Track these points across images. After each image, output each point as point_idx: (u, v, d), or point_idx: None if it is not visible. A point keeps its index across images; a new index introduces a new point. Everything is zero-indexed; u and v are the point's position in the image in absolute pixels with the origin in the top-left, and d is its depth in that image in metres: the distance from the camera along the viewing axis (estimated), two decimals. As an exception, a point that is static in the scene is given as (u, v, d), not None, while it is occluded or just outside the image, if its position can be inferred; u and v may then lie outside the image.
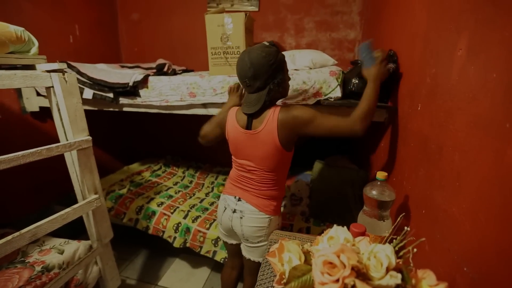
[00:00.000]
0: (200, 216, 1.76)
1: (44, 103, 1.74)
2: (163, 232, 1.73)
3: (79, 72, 1.58)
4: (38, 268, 1.16)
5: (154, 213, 1.78)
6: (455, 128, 0.66)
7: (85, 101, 1.46)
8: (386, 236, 0.65)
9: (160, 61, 2.03)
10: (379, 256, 0.51)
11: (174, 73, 1.80)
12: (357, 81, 1.22)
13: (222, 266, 1.54)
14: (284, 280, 0.57)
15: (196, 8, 2.26)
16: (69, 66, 1.58)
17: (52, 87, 1.14)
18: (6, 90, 1.66)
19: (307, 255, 0.62)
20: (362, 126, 0.94)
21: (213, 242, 1.62)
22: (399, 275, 0.50)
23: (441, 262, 0.68)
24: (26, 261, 1.21)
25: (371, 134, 1.45)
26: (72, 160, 1.25)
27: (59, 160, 1.25)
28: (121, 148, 2.73)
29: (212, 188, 2.23)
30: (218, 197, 2.05)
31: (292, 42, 2.19)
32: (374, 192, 0.87)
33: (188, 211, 1.81)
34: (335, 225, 0.64)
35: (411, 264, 0.54)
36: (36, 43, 1.16)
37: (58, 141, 1.21)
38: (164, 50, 2.45)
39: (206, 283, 1.76)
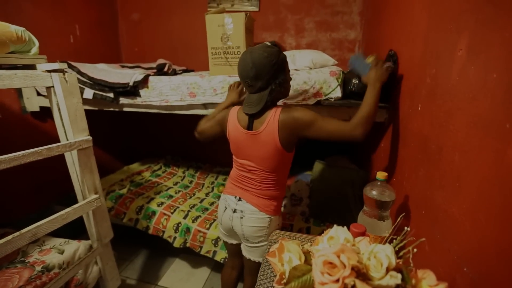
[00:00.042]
0: (200, 216, 1.76)
1: (45, 103, 1.75)
2: (163, 232, 1.73)
3: (79, 72, 1.58)
4: (38, 268, 1.16)
5: (154, 213, 1.78)
6: (455, 128, 0.66)
7: (85, 101, 1.46)
8: (386, 236, 0.65)
9: (161, 61, 2.03)
10: (379, 256, 0.51)
11: (175, 73, 1.80)
12: (357, 81, 1.22)
13: (222, 266, 1.54)
14: (284, 280, 0.57)
15: (197, 8, 2.26)
16: (70, 66, 1.58)
17: (53, 87, 1.14)
18: (7, 90, 1.66)
19: (307, 255, 0.62)
20: (363, 131, 0.93)
21: (213, 242, 1.62)
22: (399, 275, 0.50)
23: (441, 262, 0.68)
24: (26, 261, 1.21)
25: (371, 134, 1.44)
26: (72, 160, 1.25)
27: (59, 160, 1.25)
28: (121, 148, 2.73)
29: (212, 188, 2.23)
30: (218, 197, 2.05)
31: (292, 42, 2.19)
32: (374, 192, 0.87)
33: (188, 211, 1.81)
34: (335, 225, 0.64)
35: (411, 264, 0.54)
36: (37, 43, 1.16)
37: (58, 141, 1.21)
38: (164, 50, 2.45)
39: (206, 283, 1.76)
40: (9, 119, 1.70)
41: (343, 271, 0.48)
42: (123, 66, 1.92)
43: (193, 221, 1.71)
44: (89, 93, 1.57)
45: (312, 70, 1.34)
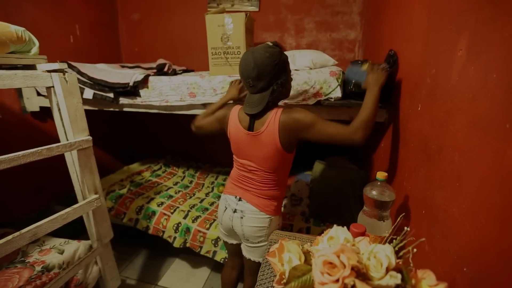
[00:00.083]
0: (200, 216, 1.76)
1: (45, 103, 1.75)
2: (163, 232, 1.73)
3: (79, 72, 1.58)
4: (38, 268, 1.16)
5: (154, 213, 1.78)
6: (455, 128, 0.66)
7: (85, 101, 1.46)
8: (386, 236, 0.65)
9: (161, 61, 2.03)
10: (379, 256, 0.51)
11: (175, 73, 1.80)
12: (356, 81, 1.22)
13: (222, 266, 1.54)
14: (284, 280, 0.57)
15: (197, 8, 2.27)
16: (70, 66, 1.58)
17: (53, 87, 1.14)
18: (7, 90, 1.66)
19: (307, 255, 0.62)
20: (363, 135, 0.93)
21: (213, 242, 1.62)
22: (399, 275, 0.50)
23: (441, 262, 0.68)
24: (26, 261, 1.21)
25: (371, 135, 1.45)
26: (72, 160, 1.25)
27: (59, 160, 1.25)
28: (121, 148, 2.73)
29: (212, 188, 2.23)
30: (218, 197, 2.05)
31: (293, 42, 2.19)
32: (374, 192, 0.87)
33: (188, 211, 1.81)
34: (335, 225, 0.64)
35: (411, 264, 0.54)
36: (37, 43, 1.16)
37: (58, 141, 1.21)
38: (164, 50, 2.45)
39: (206, 283, 1.76)
40: (9, 119, 1.70)
41: (343, 271, 0.48)
42: (123, 66, 1.92)
43: (193, 221, 1.71)
44: (89, 93, 1.57)
45: (312, 70, 1.34)
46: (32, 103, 1.77)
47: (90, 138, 1.23)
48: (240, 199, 1.14)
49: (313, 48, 2.12)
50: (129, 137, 2.82)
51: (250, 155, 1.09)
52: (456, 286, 0.60)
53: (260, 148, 1.04)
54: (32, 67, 1.15)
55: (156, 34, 2.45)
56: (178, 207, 1.84)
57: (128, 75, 1.55)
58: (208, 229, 1.66)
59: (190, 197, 2.03)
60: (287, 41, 2.20)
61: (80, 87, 1.50)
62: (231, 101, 1.29)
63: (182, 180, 2.33)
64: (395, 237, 0.63)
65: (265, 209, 1.10)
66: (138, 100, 1.57)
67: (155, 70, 1.76)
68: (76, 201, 1.25)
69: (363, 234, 0.68)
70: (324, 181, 1.60)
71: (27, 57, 1.13)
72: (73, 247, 1.31)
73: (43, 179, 1.90)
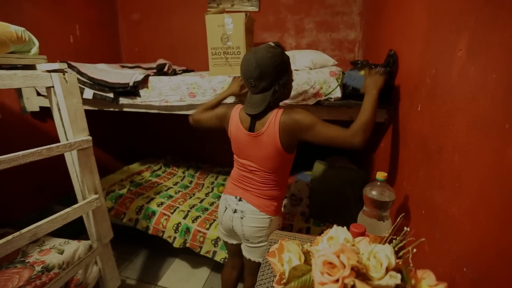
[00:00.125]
0: (200, 216, 1.76)
1: (45, 103, 1.75)
2: (163, 232, 1.73)
3: (79, 72, 1.58)
4: (38, 268, 1.16)
5: (154, 213, 1.78)
6: (455, 128, 0.66)
7: (85, 101, 1.46)
8: (386, 237, 0.65)
9: (161, 61, 2.03)
10: (378, 256, 0.51)
11: (174, 73, 1.80)
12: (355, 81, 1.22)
13: (222, 266, 1.54)
14: (284, 280, 0.57)
15: (196, 8, 2.27)
16: (70, 66, 1.58)
17: (53, 87, 1.14)
18: (7, 90, 1.66)
19: (307, 255, 0.62)
20: (362, 138, 0.92)
21: (213, 242, 1.62)
22: (399, 275, 0.50)
23: (441, 262, 0.68)
24: (26, 261, 1.21)
25: (371, 135, 1.45)
26: (72, 160, 1.25)
27: (59, 160, 1.25)
28: (121, 148, 2.73)
29: (212, 188, 2.23)
30: (218, 197, 2.05)
31: (292, 42, 2.19)
32: (374, 193, 0.87)
33: (188, 211, 1.81)
34: (335, 225, 0.64)
35: (411, 264, 0.54)
36: (37, 43, 1.16)
37: (58, 141, 1.21)
38: (164, 50, 2.45)
39: (206, 283, 1.76)
40: (9, 119, 1.70)
41: (342, 271, 0.48)
42: (123, 66, 1.92)
43: (193, 221, 1.71)
44: (89, 93, 1.57)
45: (312, 70, 1.34)
46: (32, 103, 1.77)
47: (90, 138, 1.23)
48: (240, 199, 1.14)
49: (313, 48, 2.12)
50: (129, 137, 2.82)
51: (250, 155, 1.09)
52: (456, 286, 0.60)
53: (260, 148, 1.04)
54: (32, 67, 1.15)
55: (156, 34, 2.45)
56: (178, 207, 1.84)
57: (128, 75, 1.55)
58: (208, 229, 1.66)
59: (190, 197, 2.03)
60: (287, 41, 2.20)
61: (80, 87, 1.51)
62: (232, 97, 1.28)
63: (182, 180, 2.33)
64: (395, 237, 0.63)
65: (265, 209, 1.10)
66: (138, 100, 1.57)
67: (155, 70, 1.76)
68: (76, 201, 1.25)
69: (363, 234, 0.68)
70: (324, 181, 1.60)
71: (27, 57, 1.13)
72: (73, 247, 1.31)
73: (43, 179, 1.90)
